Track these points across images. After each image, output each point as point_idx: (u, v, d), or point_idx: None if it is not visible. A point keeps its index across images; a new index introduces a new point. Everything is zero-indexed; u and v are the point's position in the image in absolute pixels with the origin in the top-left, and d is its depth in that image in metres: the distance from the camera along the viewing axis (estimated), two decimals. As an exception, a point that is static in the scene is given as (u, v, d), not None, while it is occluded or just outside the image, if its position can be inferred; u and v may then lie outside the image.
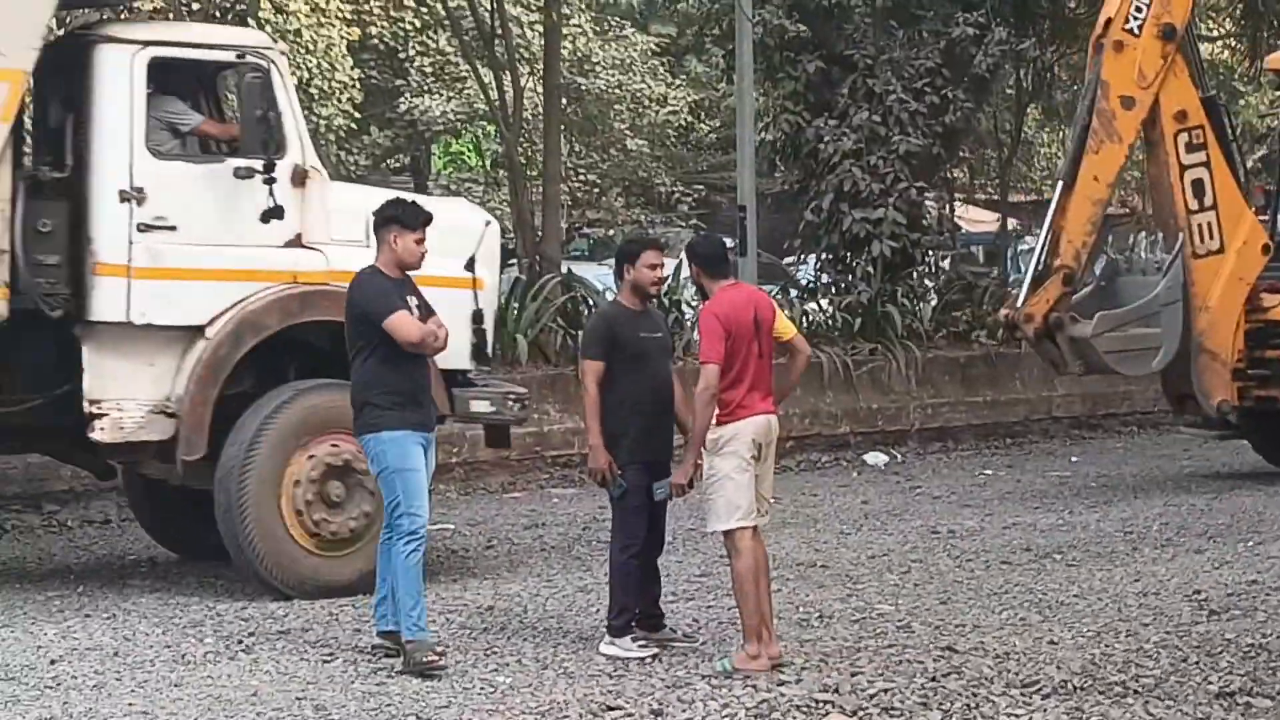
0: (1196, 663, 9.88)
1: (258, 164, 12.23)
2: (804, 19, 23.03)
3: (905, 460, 20.08)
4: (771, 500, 10.28)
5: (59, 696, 9.45)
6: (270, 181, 12.21)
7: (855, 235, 22.38)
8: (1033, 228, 36.37)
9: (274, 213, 12.28)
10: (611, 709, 8.98)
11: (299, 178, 12.47)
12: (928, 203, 23.77)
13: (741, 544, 9.92)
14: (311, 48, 28.38)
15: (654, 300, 10.86)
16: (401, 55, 31.94)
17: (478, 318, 12.79)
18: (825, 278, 23.73)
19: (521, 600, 11.78)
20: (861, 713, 8.90)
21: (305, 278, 12.43)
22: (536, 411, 17.07)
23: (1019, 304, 16.51)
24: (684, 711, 8.94)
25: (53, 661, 10.30)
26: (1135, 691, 9.32)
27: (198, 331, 12.17)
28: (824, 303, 22.79)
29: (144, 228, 12.06)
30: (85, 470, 14.19)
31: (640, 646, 10.32)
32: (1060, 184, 16.84)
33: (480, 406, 12.94)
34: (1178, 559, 13.29)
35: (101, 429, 12.07)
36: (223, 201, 12.28)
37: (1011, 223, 30.55)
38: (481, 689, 9.47)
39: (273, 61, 12.59)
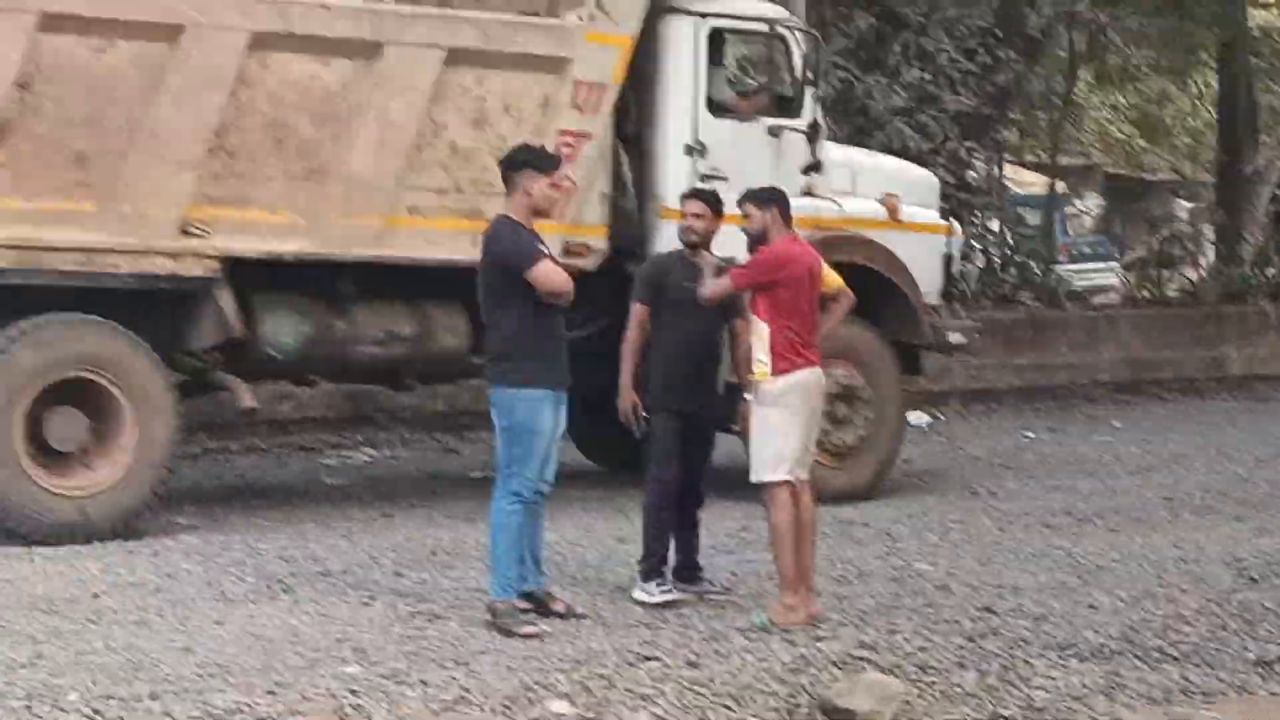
0: (1235, 630, 9.87)
1: (787, 123, 14.17)
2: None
3: (947, 420, 20.06)
4: (813, 454, 10.31)
5: (101, 630, 9.51)
6: (813, 139, 14.21)
7: (904, 194, 22.28)
8: (1080, 191, 36.27)
9: (814, 166, 14.24)
10: (648, 659, 9.01)
11: (814, 135, 14.22)
12: (976, 163, 23.68)
13: (780, 497, 9.95)
14: None
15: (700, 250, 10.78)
16: None
17: (948, 261, 14.95)
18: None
19: (560, 549, 11.80)
20: (898, 670, 8.91)
21: (825, 224, 14.05)
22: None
23: None
24: (720, 664, 8.96)
25: (95, 595, 10.37)
26: (1173, 657, 9.32)
27: None
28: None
29: (704, 178, 13.43)
30: None
31: (662, 592, 10.38)
32: None
33: (955, 338, 15.10)
34: (1218, 526, 13.27)
35: None
36: (760, 155, 13.96)
37: (1060, 186, 30.40)
38: (520, 636, 9.48)
39: (795, 31, 14.47)
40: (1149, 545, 12.43)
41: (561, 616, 9.94)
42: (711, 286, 10.24)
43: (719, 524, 12.44)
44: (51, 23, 11.64)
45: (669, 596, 10.36)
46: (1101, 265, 31.49)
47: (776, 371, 9.94)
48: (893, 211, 14.74)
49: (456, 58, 12.81)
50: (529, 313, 9.74)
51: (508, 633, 9.53)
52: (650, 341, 10.48)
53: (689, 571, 10.69)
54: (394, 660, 8.92)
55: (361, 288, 13.13)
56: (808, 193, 14.08)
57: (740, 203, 10.50)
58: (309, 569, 11.20)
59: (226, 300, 12.50)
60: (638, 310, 10.54)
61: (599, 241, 13.60)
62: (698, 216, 10.65)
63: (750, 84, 15.35)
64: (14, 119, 11.66)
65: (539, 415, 9.72)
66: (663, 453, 10.51)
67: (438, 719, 8.10)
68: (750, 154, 13.95)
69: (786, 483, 9.96)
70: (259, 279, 12.68)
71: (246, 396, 12.87)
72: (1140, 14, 27.99)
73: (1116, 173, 39.43)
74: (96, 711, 7.91)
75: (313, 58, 12.44)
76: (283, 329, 12.87)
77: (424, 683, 8.49)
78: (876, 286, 14.19)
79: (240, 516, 13.05)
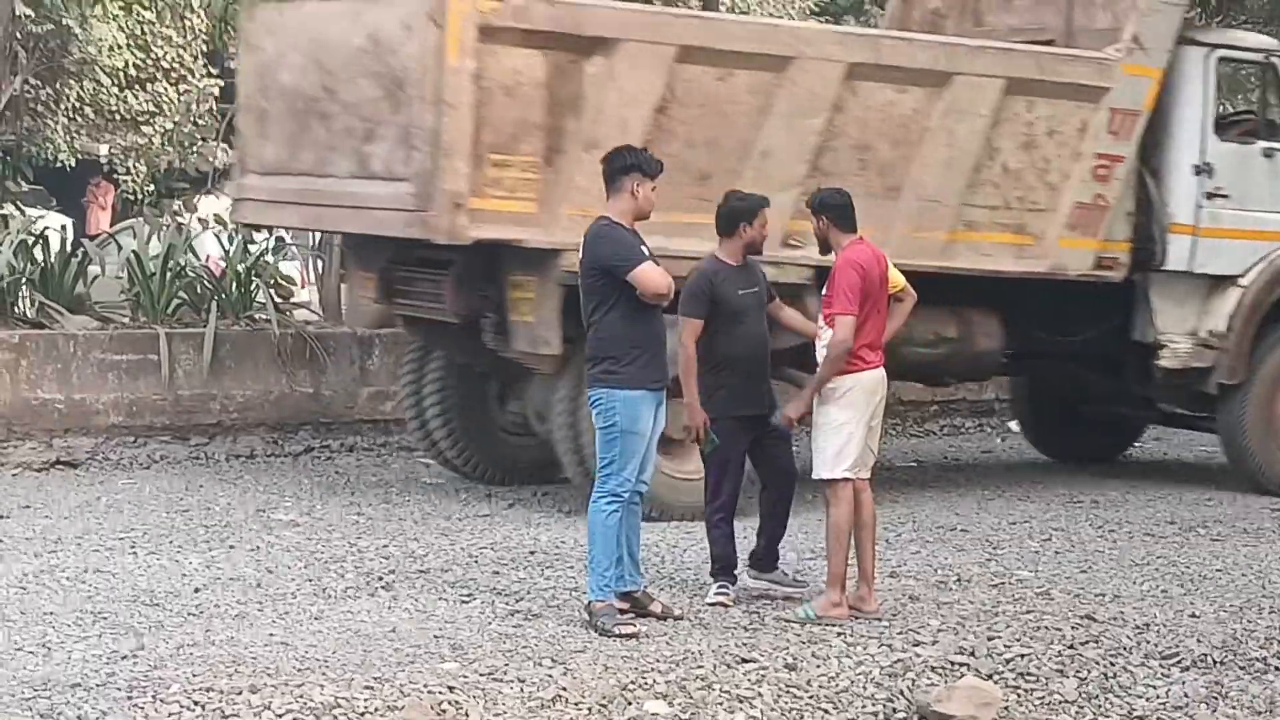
0: (1341, 641, 9.75)
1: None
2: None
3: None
4: (876, 454, 10.38)
5: (201, 624, 9.60)
6: None
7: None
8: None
9: None
10: (746, 661, 9.00)
11: None
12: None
13: (842, 494, 10.08)
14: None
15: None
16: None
17: None
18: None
19: (659, 551, 11.81)
20: (997, 676, 8.86)
21: None
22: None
23: None
24: (818, 667, 8.94)
25: (197, 590, 10.46)
26: (1276, 668, 9.24)
27: (1225, 280, 15.23)
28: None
29: (1209, 196, 15.09)
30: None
31: (717, 593, 10.46)
32: None
33: None
34: (1325, 538, 13.12)
35: (1166, 358, 15.16)
36: (1258, 176, 15.30)
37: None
38: (617, 636, 9.49)
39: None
40: (1254, 555, 12.32)
41: (659, 617, 9.94)
42: (838, 342, 10.08)
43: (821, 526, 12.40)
44: (687, 54, 13.02)
45: (719, 599, 10.42)
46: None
47: (841, 371, 10.07)
48: None
49: (1013, 87, 14.16)
50: (629, 314, 9.78)
51: (605, 632, 9.54)
52: (705, 353, 10.39)
53: (764, 560, 10.70)
54: (491, 658, 8.95)
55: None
56: None
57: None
58: (408, 567, 11.25)
59: (814, 305, 13.17)
60: (695, 325, 10.40)
61: (1125, 256, 14.92)
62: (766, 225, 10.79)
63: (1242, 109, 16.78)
64: (651, 140, 12.66)
65: (637, 415, 9.75)
66: (724, 463, 10.56)
67: (535, 717, 8.11)
68: (1249, 175, 15.29)
69: (849, 480, 10.06)
70: None
71: None
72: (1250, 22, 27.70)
73: None
74: (196, 703, 7.98)
75: (893, 86, 13.77)
76: None
77: (521, 680, 8.51)
78: None
79: (341, 514, 13.13)
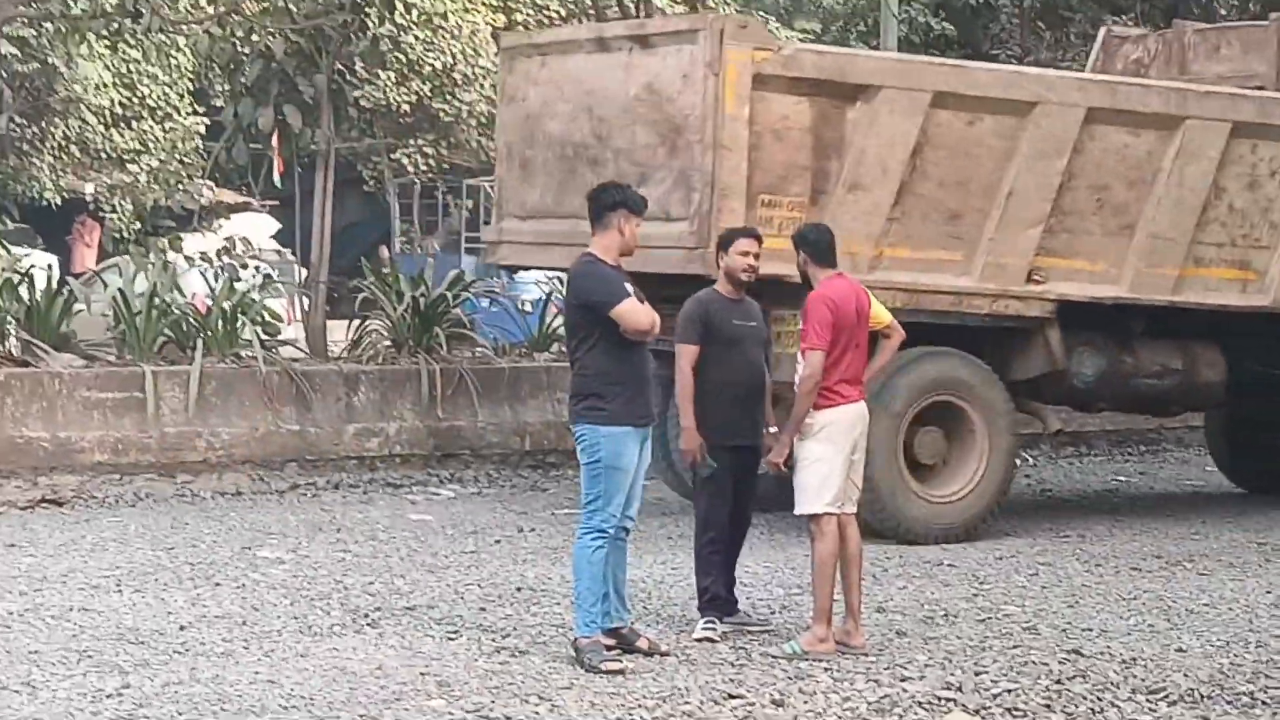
0: (1328, 676, 9.74)
1: None
2: (950, 17, 22.93)
3: (1037, 464, 19.93)
4: (860, 488, 10.41)
5: (187, 662, 9.58)
6: None
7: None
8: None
9: None
10: (733, 697, 8.98)
11: None
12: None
13: (826, 528, 10.11)
14: (456, 33, 28.53)
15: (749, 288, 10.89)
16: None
17: None
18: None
19: (645, 586, 11.80)
20: (984, 712, 8.85)
21: None
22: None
23: None
24: (805, 703, 8.92)
25: (182, 628, 10.44)
26: (1263, 702, 9.20)
27: None
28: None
29: None
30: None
31: (704, 628, 10.43)
32: None
33: None
34: (1312, 572, 13.11)
35: None
36: None
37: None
38: (604, 673, 9.48)
39: None
40: (1240, 589, 12.30)
41: (646, 653, 9.93)
42: (805, 377, 10.14)
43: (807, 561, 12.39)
44: (940, 100, 13.90)
45: (707, 634, 10.40)
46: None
47: (818, 406, 10.10)
48: None
49: (1239, 130, 14.91)
50: (612, 350, 9.81)
51: (592, 669, 9.53)
52: (700, 381, 10.48)
53: (727, 603, 10.71)
54: (478, 695, 8.94)
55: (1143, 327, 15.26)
56: None
57: None
58: (394, 604, 11.23)
59: (1055, 337, 14.60)
60: (691, 351, 10.53)
61: None
62: (758, 256, 10.77)
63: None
64: (906, 181, 13.83)
65: (622, 452, 9.76)
66: (718, 492, 10.61)
67: (521, 754, 8.10)
68: None
69: (832, 515, 10.09)
70: (1068, 318, 14.71)
71: (1053, 421, 15.51)
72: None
73: None
74: (181, 741, 7.96)
75: (1127, 130, 14.56)
76: (1086, 363, 14.98)
77: (508, 718, 8.50)
78: None
79: (327, 551, 13.11)
